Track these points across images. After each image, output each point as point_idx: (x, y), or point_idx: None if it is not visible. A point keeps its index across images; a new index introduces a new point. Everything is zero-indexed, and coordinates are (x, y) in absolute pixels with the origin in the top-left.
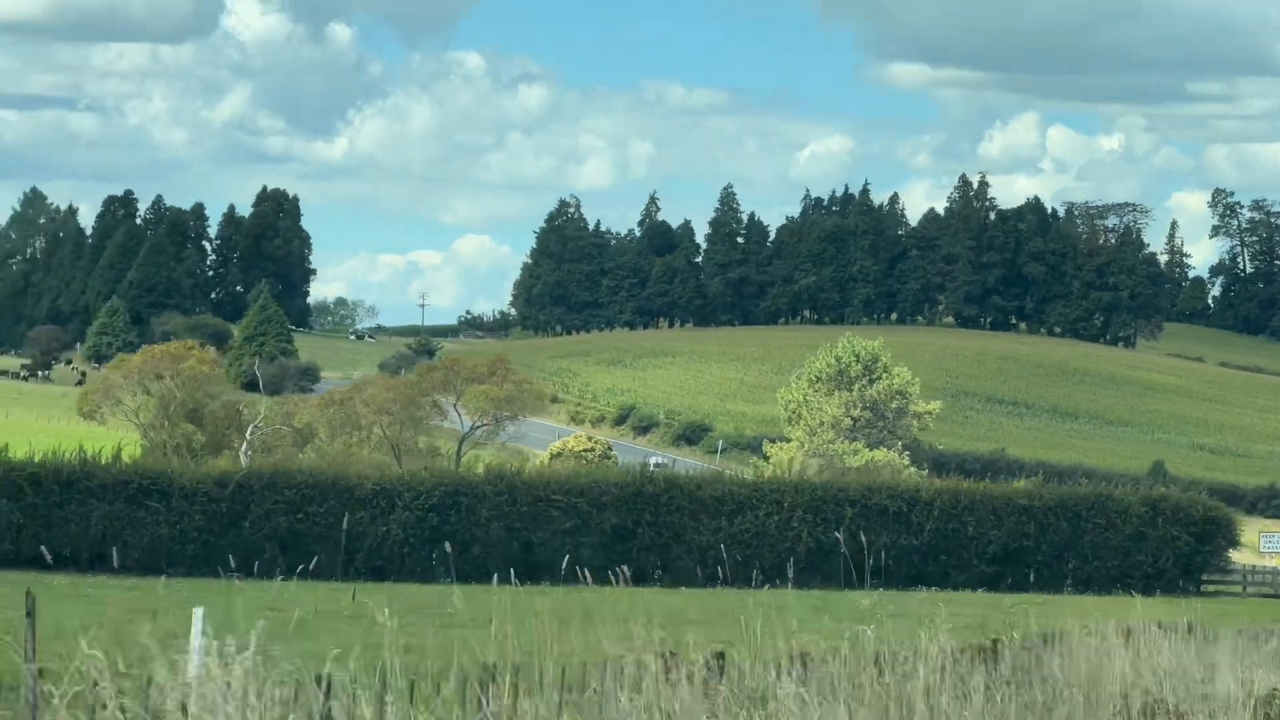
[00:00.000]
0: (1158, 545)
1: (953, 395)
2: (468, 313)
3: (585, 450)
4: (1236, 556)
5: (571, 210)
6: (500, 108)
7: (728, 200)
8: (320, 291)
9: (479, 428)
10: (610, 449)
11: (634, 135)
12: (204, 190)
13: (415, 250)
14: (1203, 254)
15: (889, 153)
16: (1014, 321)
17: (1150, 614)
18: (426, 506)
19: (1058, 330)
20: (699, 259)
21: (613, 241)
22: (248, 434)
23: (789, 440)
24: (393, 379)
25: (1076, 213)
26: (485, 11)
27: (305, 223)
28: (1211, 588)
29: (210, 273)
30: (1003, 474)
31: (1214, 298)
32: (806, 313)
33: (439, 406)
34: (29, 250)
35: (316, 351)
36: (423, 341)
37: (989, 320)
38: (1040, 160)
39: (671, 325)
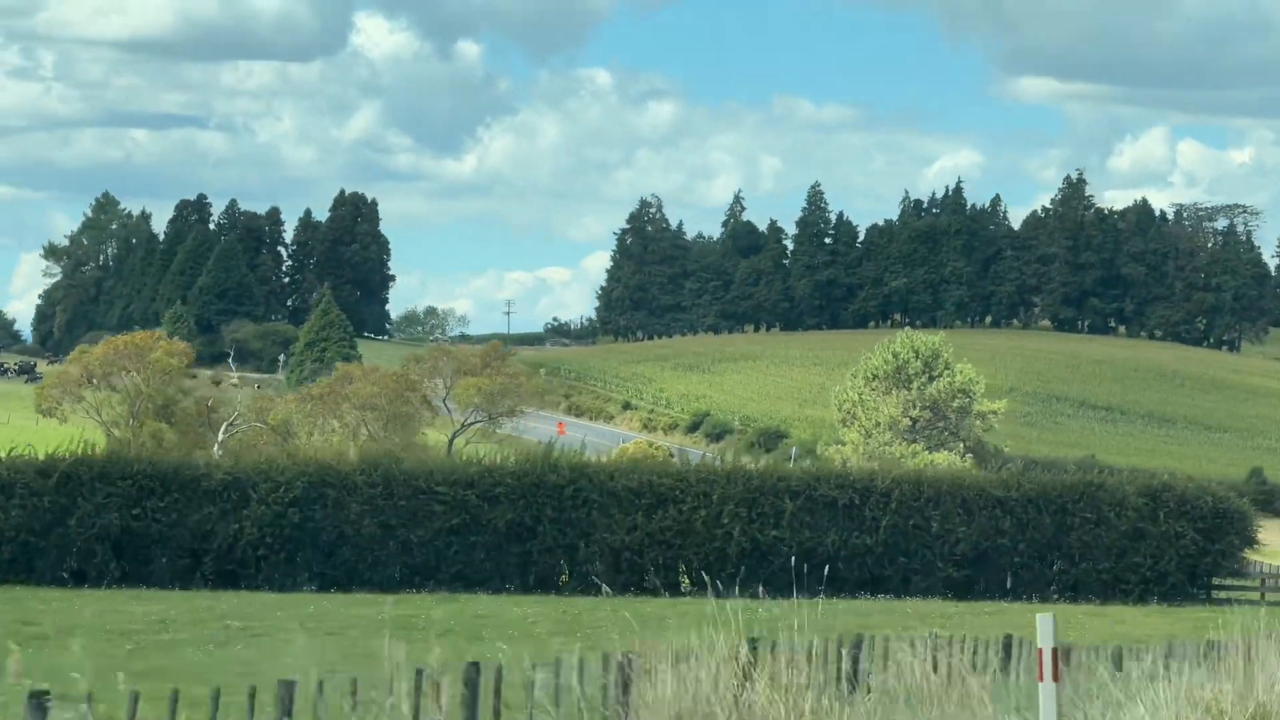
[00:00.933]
0: (1158, 544)
1: (1044, 400)
2: (555, 319)
3: (645, 457)
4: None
5: (653, 210)
6: (629, 124)
7: (815, 200)
8: (445, 305)
9: (472, 422)
10: (672, 455)
11: (763, 151)
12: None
13: (545, 267)
14: None
15: (1017, 167)
16: (1112, 325)
17: (1143, 626)
18: (286, 500)
19: (1158, 334)
20: (786, 261)
21: (696, 243)
22: (220, 432)
23: (844, 443)
24: (375, 370)
25: (1184, 215)
26: (614, 28)
27: (430, 243)
28: (1224, 594)
29: (285, 279)
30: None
31: None
32: (897, 316)
33: (428, 401)
34: (100, 257)
35: (388, 359)
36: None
37: (1086, 323)
38: (1170, 174)
39: (757, 330)
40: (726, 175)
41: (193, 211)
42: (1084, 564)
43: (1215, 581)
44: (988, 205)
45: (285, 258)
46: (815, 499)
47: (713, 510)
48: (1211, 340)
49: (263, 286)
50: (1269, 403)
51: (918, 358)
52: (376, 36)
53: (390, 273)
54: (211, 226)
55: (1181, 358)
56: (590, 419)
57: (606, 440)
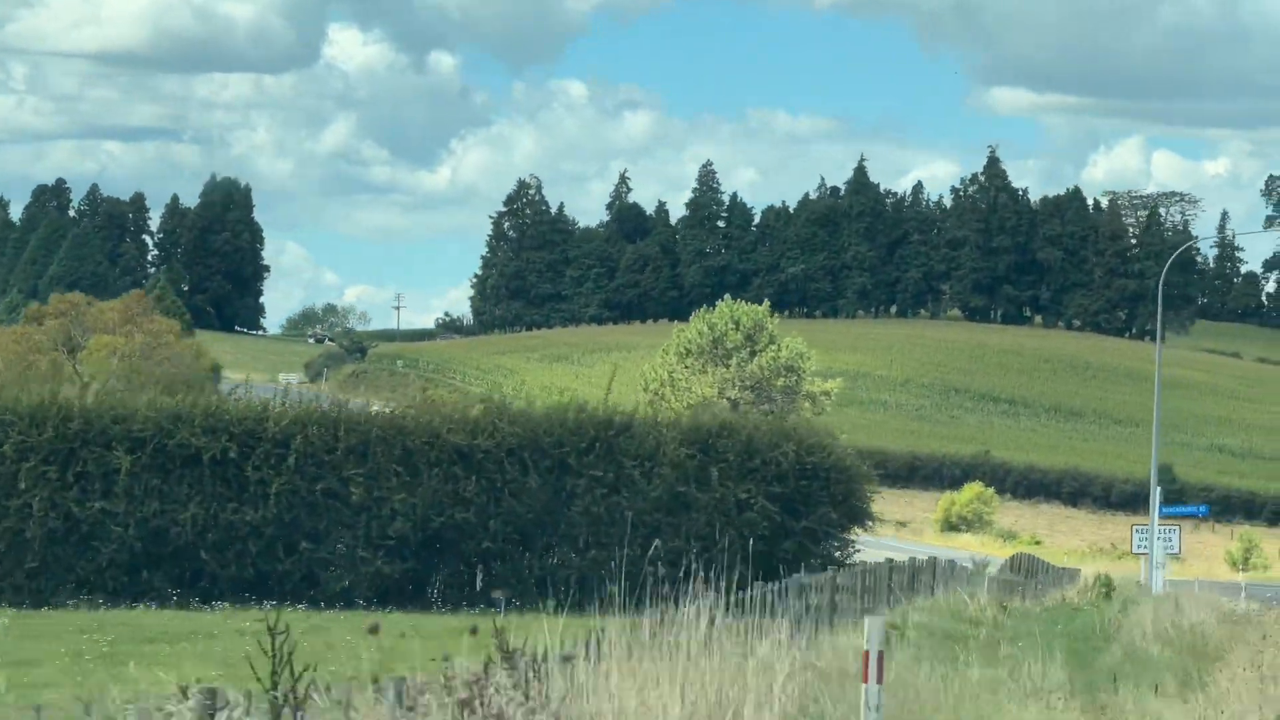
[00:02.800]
0: (710, 514)
1: (941, 392)
2: (446, 314)
3: None
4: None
5: (532, 192)
6: (605, 136)
7: (707, 181)
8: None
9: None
10: None
11: (740, 163)
12: (308, 221)
13: None
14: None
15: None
16: (1028, 314)
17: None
18: None
19: (1076, 324)
20: (675, 246)
21: (579, 228)
22: None
23: None
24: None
25: (1119, 202)
26: (589, 40)
27: (412, 249)
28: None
29: (151, 269)
30: (986, 478)
31: (1268, 294)
32: (796, 305)
33: (57, 365)
34: None
35: (249, 352)
36: (355, 340)
37: (999, 312)
38: (1145, 186)
39: (644, 320)
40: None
41: (51, 197)
42: (597, 549)
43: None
44: (909, 192)
45: (151, 247)
46: (169, 452)
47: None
48: (1134, 330)
49: (125, 277)
50: (1188, 395)
51: (738, 329)
52: (350, 48)
53: (264, 263)
54: (71, 213)
55: (1096, 348)
56: None
57: None
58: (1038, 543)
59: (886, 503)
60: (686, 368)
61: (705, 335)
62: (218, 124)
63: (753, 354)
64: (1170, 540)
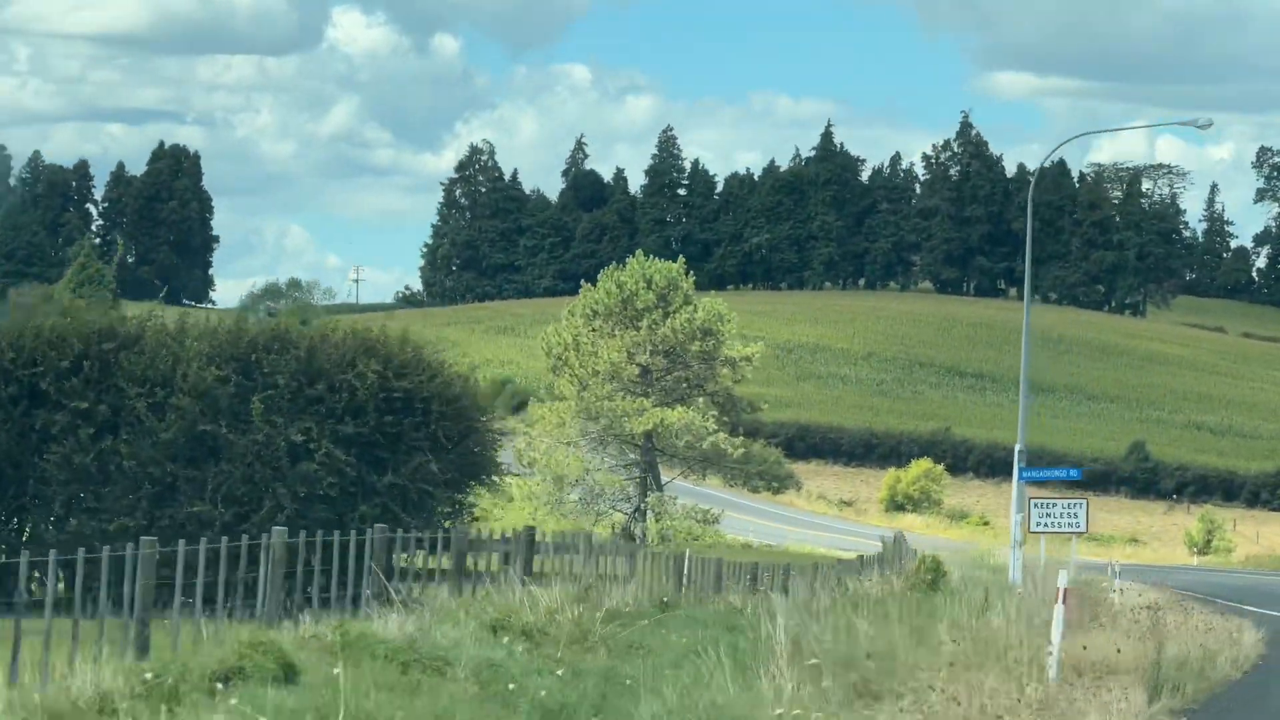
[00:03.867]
0: (249, 464)
1: (904, 366)
2: (406, 288)
3: None
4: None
5: (484, 158)
6: (607, 119)
7: (667, 147)
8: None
9: None
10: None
11: (741, 147)
12: (310, 203)
13: None
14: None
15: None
16: (1002, 287)
17: None
18: None
19: (1053, 297)
20: (633, 215)
21: (534, 196)
22: None
23: (563, 398)
24: None
25: (1104, 176)
26: (591, 24)
27: (417, 232)
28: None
29: (95, 239)
30: (948, 456)
31: (1259, 270)
32: (760, 277)
33: None
34: None
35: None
36: (298, 312)
37: (972, 285)
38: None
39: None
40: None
41: None
42: (75, 521)
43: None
44: (886, 163)
45: (96, 216)
46: None
47: None
48: (1114, 304)
49: (67, 248)
50: (1167, 370)
51: (650, 288)
52: (354, 31)
53: (214, 233)
54: (11, 181)
55: (1071, 321)
56: None
57: None
58: (986, 523)
59: (836, 481)
60: (594, 330)
61: (614, 295)
62: (220, 106)
63: (666, 315)
64: (1072, 516)
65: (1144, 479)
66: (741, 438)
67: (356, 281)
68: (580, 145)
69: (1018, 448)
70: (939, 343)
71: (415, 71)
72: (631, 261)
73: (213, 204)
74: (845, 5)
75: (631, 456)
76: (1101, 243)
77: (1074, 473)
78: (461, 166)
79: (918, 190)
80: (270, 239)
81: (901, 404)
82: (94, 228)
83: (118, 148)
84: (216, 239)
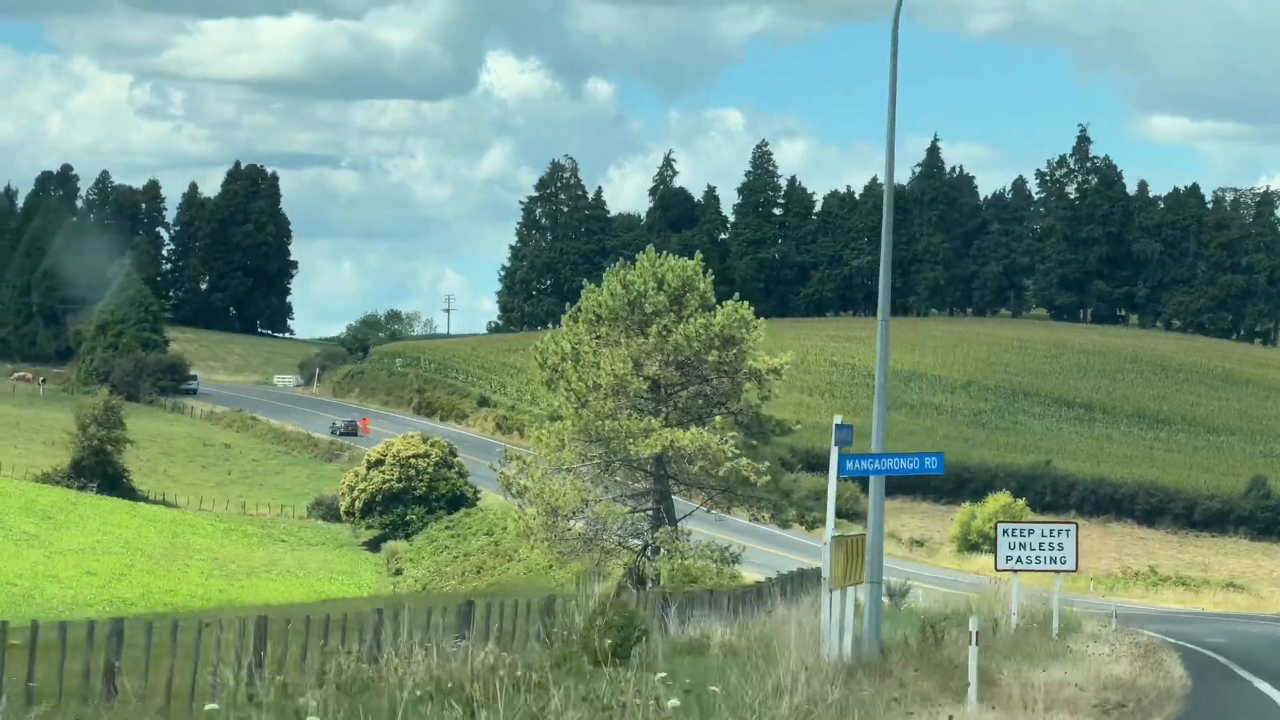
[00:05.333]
0: None
1: (1006, 395)
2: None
3: (417, 456)
4: None
5: (567, 175)
6: (759, 164)
7: (762, 163)
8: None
9: None
10: (453, 453)
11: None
12: (465, 247)
13: None
14: None
15: None
16: (1122, 314)
17: None
18: None
19: (1176, 324)
20: (725, 236)
21: (621, 216)
22: None
23: (560, 418)
24: None
25: (1242, 201)
26: (746, 69)
27: None
28: None
29: (166, 265)
30: (1047, 492)
31: None
32: (860, 303)
33: None
34: None
35: (262, 354)
36: (358, 337)
37: (1089, 312)
38: None
39: None
40: None
41: (56, 185)
42: None
43: None
44: (1008, 188)
45: (167, 240)
46: None
47: None
48: (1241, 332)
49: (136, 274)
50: None
51: (661, 289)
52: (507, 76)
53: (291, 259)
54: (79, 203)
55: (1191, 349)
56: (441, 418)
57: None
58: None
59: (922, 519)
60: (598, 338)
61: (619, 297)
62: (375, 150)
63: (680, 320)
64: (1056, 548)
65: (1265, 518)
66: (768, 464)
67: (448, 311)
68: (669, 161)
69: (836, 420)
70: (1047, 370)
71: (569, 116)
72: (641, 258)
73: (290, 227)
74: (998, 48)
75: (641, 485)
76: (1229, 266)
77: (931, 461)
78: (542, 184)
79: (1017, 198)
80: (425, 283)
81: (1000, 435)
82: (165, 252)
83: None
84: (294, 265)
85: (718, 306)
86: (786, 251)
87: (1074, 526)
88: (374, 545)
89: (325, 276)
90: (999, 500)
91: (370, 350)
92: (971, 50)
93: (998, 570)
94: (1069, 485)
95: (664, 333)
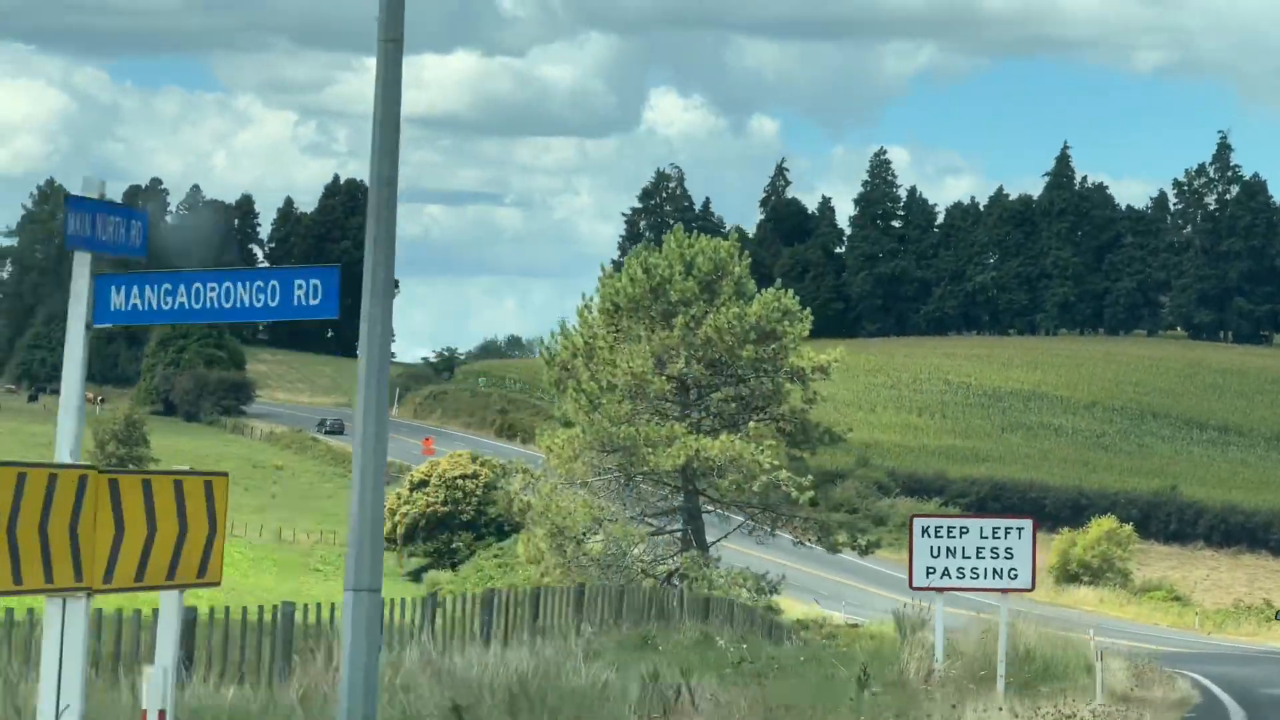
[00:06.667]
0: None
1: (1133, 417)
2: None
3: (464, 477)
4: None
5: (672, 185)
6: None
7: (880, 173)
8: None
9: None
10: (504, 472)
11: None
12: None
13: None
14: None
15: None
16: (1265, 333)
17: None
18: None
19: None
20: (840, 249)
21: (730, 228)
22: None
23: (571, 425)
24: None
25: None
26: (911, 105)
27: None
28: None
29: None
30: (1171, 520)
31: None
32: (985, 321)
33: None
34: (40, 256)
35: (351, 375)
36: (445, 357)
37: (1230, 331)
38: None
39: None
40: None
41: (146, 199)
42: None
43: None
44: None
45: (261, 257)
46: None
47: None
48: None
49: None
50: None
51: (689, 274)
52: (671, 113)
53: (394, 277)
54: (169, 218)
55: None
56: (522, 440)
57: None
58: (1176, 598)
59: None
60: (617, 331)
61: (640, 283)
62: (539, 188)
63: (710, 307)
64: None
65: None
66: (810, 478)
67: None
68: (781, 171)
69: None
70: (1179, 390)
71: (733, 153)
72: (668, 238)
73: (395, 245)
74: (1165, 83)
75: (664, 502)
76: None
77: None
78: (646, 195)
79: (1153, 210)
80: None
81: (1123, 459)
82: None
83: (438, 229)
84: (396, 284)
85: (757, 295)
86: (906, 266)
87: (1028, 524)
88: (418, 576)
89: (487, 312)
90: (1103, 525)
91: (456, 370)
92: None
93: (913, 588)
94: (1195, 513)
95: (692, 325)
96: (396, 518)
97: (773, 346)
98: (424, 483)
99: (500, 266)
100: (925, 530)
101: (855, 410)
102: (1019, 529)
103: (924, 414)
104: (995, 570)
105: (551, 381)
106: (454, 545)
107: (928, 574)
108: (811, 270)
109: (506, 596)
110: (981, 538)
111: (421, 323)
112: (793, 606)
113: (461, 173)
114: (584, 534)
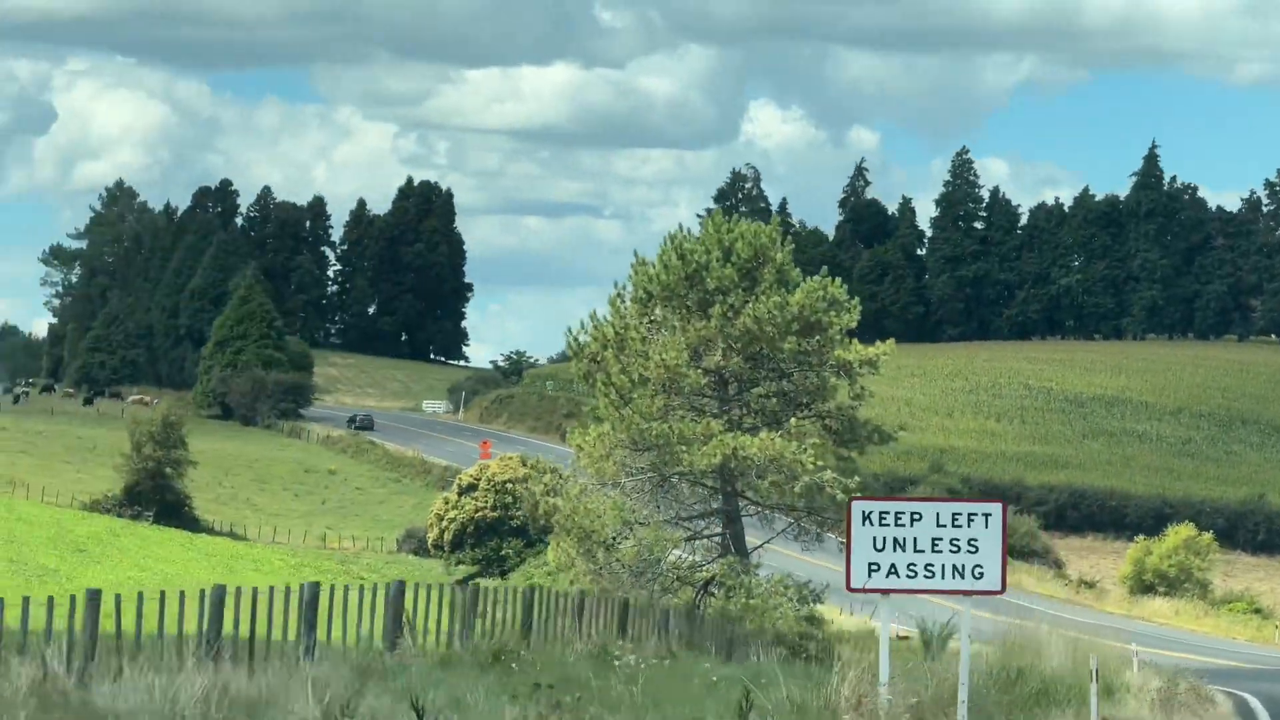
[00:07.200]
0: None
1: (1221, 423)
2: None
3: (514, 480)
4: None
5: (748, 185)
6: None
7: (962, 172)
8: None
9: None
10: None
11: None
12: None
13: None
14: None
15: None
16: None
17: None
18: None
19: None
20: (921, 251)
21: (806, 230)
22: None
23: (600, 420)
24: None
25: None
26: (1011, 116)
27: None
28: None
29: (332, 286)
30: (1260, 529)
31: None
32: (1070, 326)
33: None
34: (108, 259)
35: (425, 381)
36: (515, 362)
37: None
38: None
39: (880, 340)
40: None
41: (214, 201)
42: None
43: None
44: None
45: (332, 260)
46: None
47: None
48: None
49: (299, 295)
50: None
51: (728, 260)
52: (770, 125)
53: (466, 281)
54: (239, 220)
55: None
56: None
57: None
58: (1256, 610)
59: (1116, 559)
60: (651, 321)
61: (675, 270)
62: (638, 200)
63: (749, 295)
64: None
65: None
66: (857, 479)
67: None
68: (860, 171)
69: None
70: (1271, 396)
71: (832, 164)
72: (706, 222)
73: (464, 248)
74: (1268, 94)
75: (702, 505)
76: None
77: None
78: (721, 196)
79: (1245, 211)
80: None
81: (1210, 466)
82: (330, 272)
83: (536, 240)
84: (469, 288)
85: (804, 279)
86: (989, 269)
87: (997, 508)
88: (465, 584)
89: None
90: (1181, 533)
91: (524, 374)
92: (1231, 94)
93: (851, 590)
94: None
95: (730, 314)
96: (444, 523)
97: (817, 339)
98: (472, 487)
99: (599, 278)
100: (867, 516)
101: (931, 415)
102: (985, 515)
103: (1003, 419)
104: (956, 567)
105: (580, 375)
106: (503, 552)
107: (870, 571)
108: (891, 272)
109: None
110: (939, 526)
111: (518, 332)
112: (840, 618)
113: (560, 184)
114: (614, 539)
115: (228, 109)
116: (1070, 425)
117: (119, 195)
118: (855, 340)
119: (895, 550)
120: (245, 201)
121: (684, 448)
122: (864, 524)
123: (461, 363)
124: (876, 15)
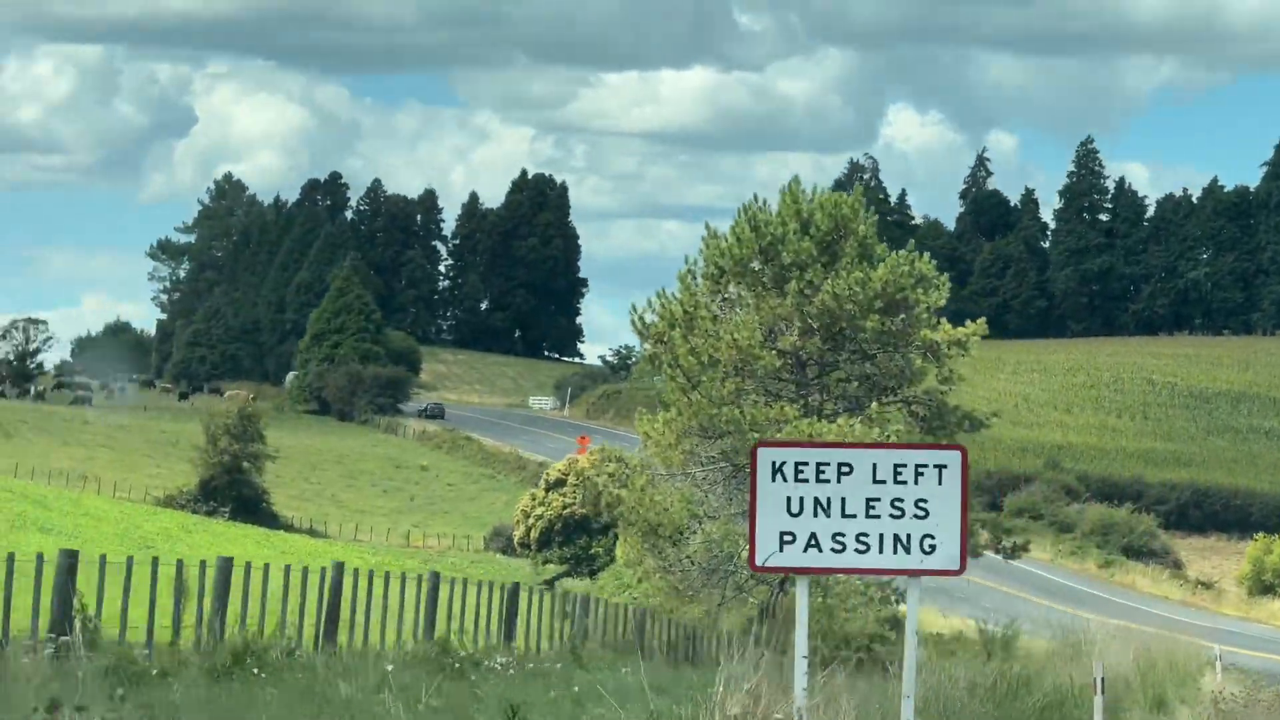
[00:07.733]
0: None
1: None
2: None
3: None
4: None
5: (865, 176)
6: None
7: (1087, 163)
8: None
9: None
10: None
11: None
12: None
13: None
14: None
15: None
16: None
17: None
18: None
19: None
20: (1044, 244)
21: (926, 222)
22: None
23: (666, 407)
24: None
25: None
26: (1152, 121)
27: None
28: None
29: (443, 281)
30: None
31: None
32: (1198, 321)
33: None
34: (216, 254)
35: (535, 378)
36: (624, 356)
37: None
38: None
39: (1001, 337)
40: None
41: (325, 194)
42: None
43: None
44: None
45: (444, 254)
46: None
47: None
48: None
49: (409, 290)
50: None
51: (806, 233)
52: (908, 128)
53: (581, 276)
54: (349, 214)
55: None
56: None
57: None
58: None
59: (1240, 560)
60: (724, 299)
61: (749, 243)
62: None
63: (828, 270)
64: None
65: None
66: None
67: None
68: (982, 162)
69: None
70: None
71: (970, 169)
72: (783, 193)
73: (579, 242)
74: None
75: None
76: None
77: None
78: (839, 187)
79: None
80: None
81: None
82: (442, 267)
83: (675, 245)
84: (585, 283)
85: (890, 253)
86: (1114, 262)
87: (956, 456)
88: (552, 585)
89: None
90: None
91: (632, 370)
92: None
93: (756, 568)
94: None
95: (808, 291)
96: (530, 520)
97: (902, 318)
98: (560, 482)
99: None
100: (778, 468)
101: (1050, 410)
102: (939, 467)
103: (1124, 415)
104: (899, 538)
105: (645, 357)
106: (592, 550)
107: (782, 543)
108: (1013, 266)
109: None
110: (876, 482)
111: None
112: (933, 619)
113: (699, 188)
114: (681, 533)
115: (368, 113)
116: (1194, 422)
117: (227, 189)
118: (944, 320)
119: (817, 514)
120: (355, 195)
121: (757, 434)
122: (774, 478)
123: (576, 359)
124: (1015, 18)
